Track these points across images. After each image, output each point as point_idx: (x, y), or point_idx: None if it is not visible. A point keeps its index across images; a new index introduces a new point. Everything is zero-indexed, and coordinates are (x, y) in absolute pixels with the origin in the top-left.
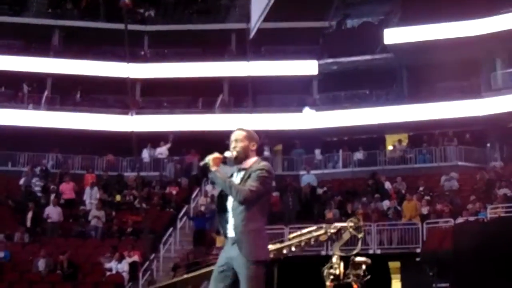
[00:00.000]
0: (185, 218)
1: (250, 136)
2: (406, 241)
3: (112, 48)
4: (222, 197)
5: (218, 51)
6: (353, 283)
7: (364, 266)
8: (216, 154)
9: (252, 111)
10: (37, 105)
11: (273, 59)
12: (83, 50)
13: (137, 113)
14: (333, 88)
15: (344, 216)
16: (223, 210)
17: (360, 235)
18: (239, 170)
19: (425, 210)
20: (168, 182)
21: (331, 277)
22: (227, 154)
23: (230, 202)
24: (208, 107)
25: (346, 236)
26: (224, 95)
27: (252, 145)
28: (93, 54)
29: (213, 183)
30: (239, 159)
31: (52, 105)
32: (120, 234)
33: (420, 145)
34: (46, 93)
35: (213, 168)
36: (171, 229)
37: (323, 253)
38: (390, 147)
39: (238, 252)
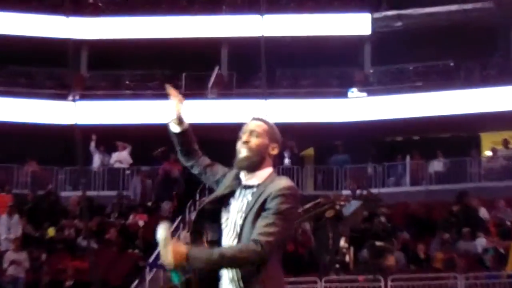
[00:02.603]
0: (159, 263)
1: (274, 133)
2: None
3: None
4: (203, 233)
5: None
6: None
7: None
8: (167, 251)
9: (266, 94)
10: None
11: (300, 12)
12: None
13: (82, 97)
14: (396, 58)
15: (414, 263)
16: None
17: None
18: (244, 186)
19: None
20: (131, 207)
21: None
22: (163, 234)
23: (226, 237)
24: (195, 88)
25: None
26: (221, 68)
27: (272, 148)
28: (14, 2)
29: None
30: (250, 164)
31: None
32: None
33: None
34: None
35: (186, 261)
36: (136, 282)
37: None
38: (487, 152)
39: None
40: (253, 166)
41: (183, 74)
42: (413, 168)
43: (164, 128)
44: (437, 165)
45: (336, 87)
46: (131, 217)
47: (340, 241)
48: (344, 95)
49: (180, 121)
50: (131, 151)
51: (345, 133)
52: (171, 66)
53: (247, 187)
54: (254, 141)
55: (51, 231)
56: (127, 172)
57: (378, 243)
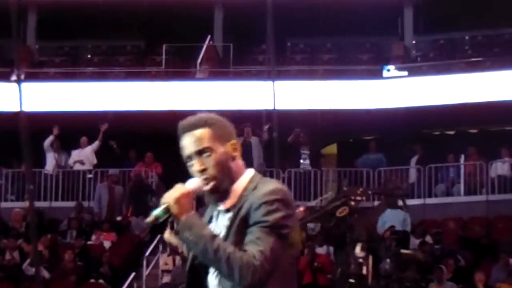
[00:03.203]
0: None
1: (221, 128)
2: None
3: None
4: (197, 268)
5: None
6: None
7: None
8: (181, 188)
9: (273, 73)
10: None
11: None
12: None
13: (30, 76)
14: (446, 25)
15: None
16: None
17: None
18: (220, 210)
19: None
20: (95, 223)
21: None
22: (192, 184)
23: (213, 277)
24: (179, 64)
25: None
26: (214, 38)
27: (232, 149)
28: None
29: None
30: (224, 192)
31: None
32: None
33: None
34: None
35: (182, 216)
36: None
37: None
38: None
39: None
40: (224, 192)
41: (163, 46)
42: (469, 171)
43: (139, 115)
44: (500, 168)
45: (366, 64)
46: (94, 236)
47: (355, 249)
48: (377, 74)
49: None
50: (97, 148)
51: (378, 124)
52: (148, 35)
53: (223, 210)
54: (211, 163)
55: None
56: (89, 176)
57: (404, 251)
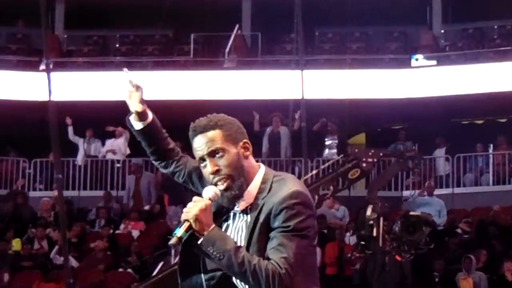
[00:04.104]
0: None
1: (232, 129)
2: None
3: None
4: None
5: None
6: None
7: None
8: (199, 203)
9: (302, 62)
10: None
11: None
12: None
13: (58, 66)
14: (475, 14)
15: (499, 287)
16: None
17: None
18: (236, 211)
19: None
20: (124, 213)
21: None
22: (209, 193)
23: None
24: (208, 54)
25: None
26: (242, 27)
27: (244, 149)
28: None
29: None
30: (239, 194)
31: None
32: None
33: None
34: None
35: (204, 232)
36: None
37: None
38: None
39: None
40: (240, 192)
41: (192, 36)
42: (498, 161)
43: (167, 104)
44: None
45: (395, 53)
46: (123, 225)
47: (367, 211)
48: (405, 63)
49: (140, 114)
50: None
51: (407, 114)
52: (176, 24)
53: (239, 212)
54: (224, 163)
55: (16, 244)
56: (117, 165)
57: (412, 213)
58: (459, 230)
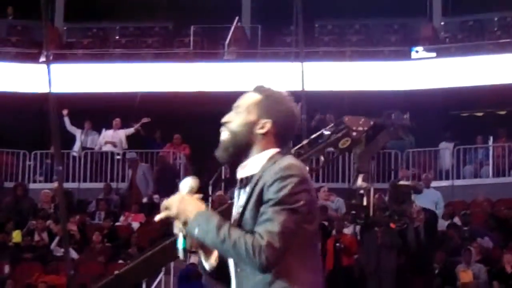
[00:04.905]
0: (160, 276)
1: (268, 106)
2: None
3: None
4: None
5: None
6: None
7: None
8: (175, 202)
9: (302, 54)
10: None
11: None
12: None
13: (58, 58)
14: (475, 6)
15: (498, 279)
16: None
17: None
18: (240, 182)
19: None
20: (124, 204)
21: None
22: (185, 186)
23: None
24: (207, 46)
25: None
26: (242, 19)
27: (262, 125)
28: None
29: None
30: (230, 154)
31: None
32: None
33: None
34: None
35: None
36: None
37: None
38: None
39: None
40: (235, 154)
41: (191, 28)
42: (498, 153)
43: (167, 96)
44: None
45: (395, 45)
46: (122, 217)
47: (357, 181)
48: (405, 55)
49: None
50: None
51: (406, 106)
52: (176, 16)
53: (242, 182)
54: (234, 120)
55: (16, 235)
56: (117, 157)
57: (402, 183)
58: (458, 222)
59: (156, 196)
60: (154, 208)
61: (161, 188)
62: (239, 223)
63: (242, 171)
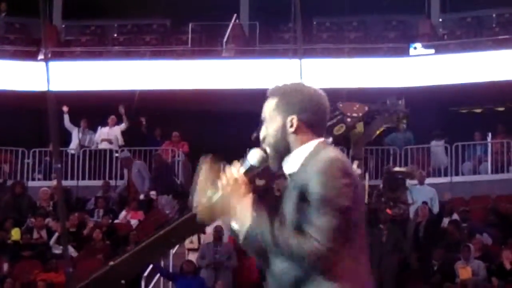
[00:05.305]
0: (157, 276)
1: (288, 102)
2: None
3: None
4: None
5: None
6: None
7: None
8: (234, 171)
9: (300, 51)
10: None
11: None
12: None
13: (56, 55)
14: (473, 2)
15: (497, 275)
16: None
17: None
18: (289, 181)
19: None
20: (123, 201)
21: None
22: (253, 158)
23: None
24: (205, 43)
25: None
26: (240, 16)
27: (290, 124)
28: None
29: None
30: (275, 158)
31: None
32: None
33: None
34: None
35: (237, 212)
36: None
37: None
38: None
39: None
40: (280, 159)
41: (190, 25)
42: (497, 149)
43: (165, 94)
44: None
45: (393, 41)
46: (122, 215)
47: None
48: (404, 52)
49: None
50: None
51: (406, 102)
52: (174, 13)
53: (289, 177)
54: (267, 132)
55: (15, 233)
56: (116, 155)
57: (397, 169)
58: (457, 219)
59: (152, 193)
60: (152, 204)
61: (159, 185)
62: (285, 217)
63: (286, 167)
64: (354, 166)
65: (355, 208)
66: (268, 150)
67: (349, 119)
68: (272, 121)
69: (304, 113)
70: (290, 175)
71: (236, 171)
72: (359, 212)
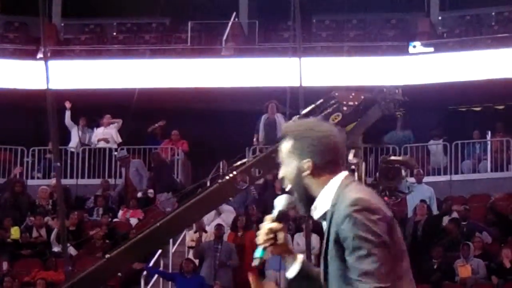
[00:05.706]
0: (155, 276)
1: (302, 145)
2: None
3: None
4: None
5: None
6: None
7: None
8: (266, 224)
9: (300, 49)
10: None
11: None
12: None
13: (55, 54)
14: (472, 1)
15: (497, 274)
16: None
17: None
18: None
19: None
20: (122, 199)
21: None
22: (280, 205)
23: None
24: (205, 41)
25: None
26: (239, 15)
27: (306, 166)
28: None
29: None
30: (305, 204)
31: None
32: None
33: None
34: None
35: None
36: None
37: None
38: None
39: None
40: (308, 200)
41: (189, 24)
42: (496, 147)
43: (164, 92)
44: None
45: (392, 40)
46: (120, 213)
47: (348, 156)
48: (403, 50)
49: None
50: (121, 126)
51: (404, 101)
52: (173, 12)
53: (322, 221)
54: (284, 174)
55: (14, 232)
56: (115, 153)
57: (394, 158)
58: (457, 217)
59: (150, 191)
60: (150, 203)
61: (157, 184)
62: (325, 264)
63: (315, 213)
64: (351, 155)
65: (391, 237)
66: (289, 187)
67: (345, 108)
68: (289, 164)
69: (316, 156)
70: (323, 217)
71: (268, 223)
72: (397, 237)
